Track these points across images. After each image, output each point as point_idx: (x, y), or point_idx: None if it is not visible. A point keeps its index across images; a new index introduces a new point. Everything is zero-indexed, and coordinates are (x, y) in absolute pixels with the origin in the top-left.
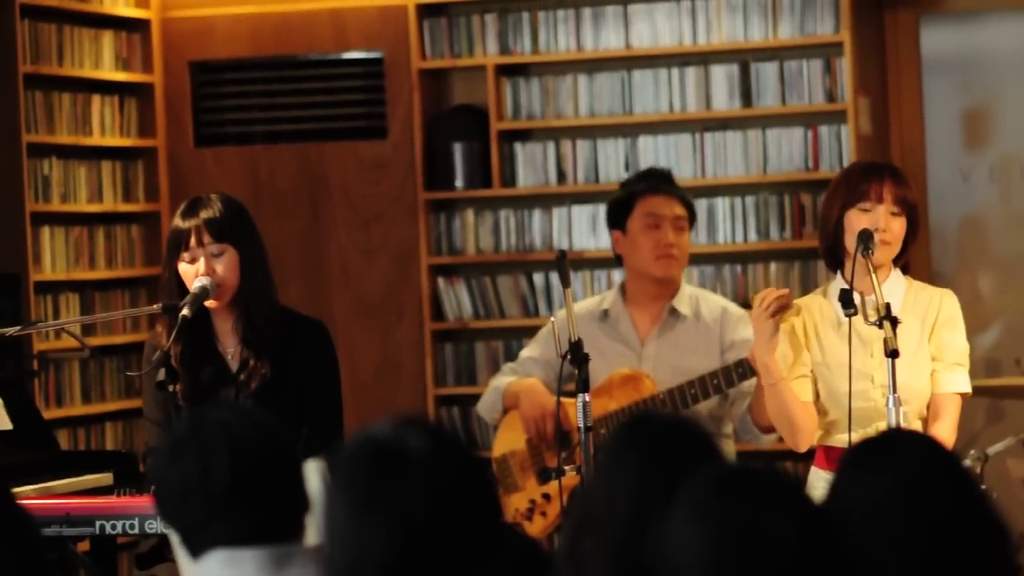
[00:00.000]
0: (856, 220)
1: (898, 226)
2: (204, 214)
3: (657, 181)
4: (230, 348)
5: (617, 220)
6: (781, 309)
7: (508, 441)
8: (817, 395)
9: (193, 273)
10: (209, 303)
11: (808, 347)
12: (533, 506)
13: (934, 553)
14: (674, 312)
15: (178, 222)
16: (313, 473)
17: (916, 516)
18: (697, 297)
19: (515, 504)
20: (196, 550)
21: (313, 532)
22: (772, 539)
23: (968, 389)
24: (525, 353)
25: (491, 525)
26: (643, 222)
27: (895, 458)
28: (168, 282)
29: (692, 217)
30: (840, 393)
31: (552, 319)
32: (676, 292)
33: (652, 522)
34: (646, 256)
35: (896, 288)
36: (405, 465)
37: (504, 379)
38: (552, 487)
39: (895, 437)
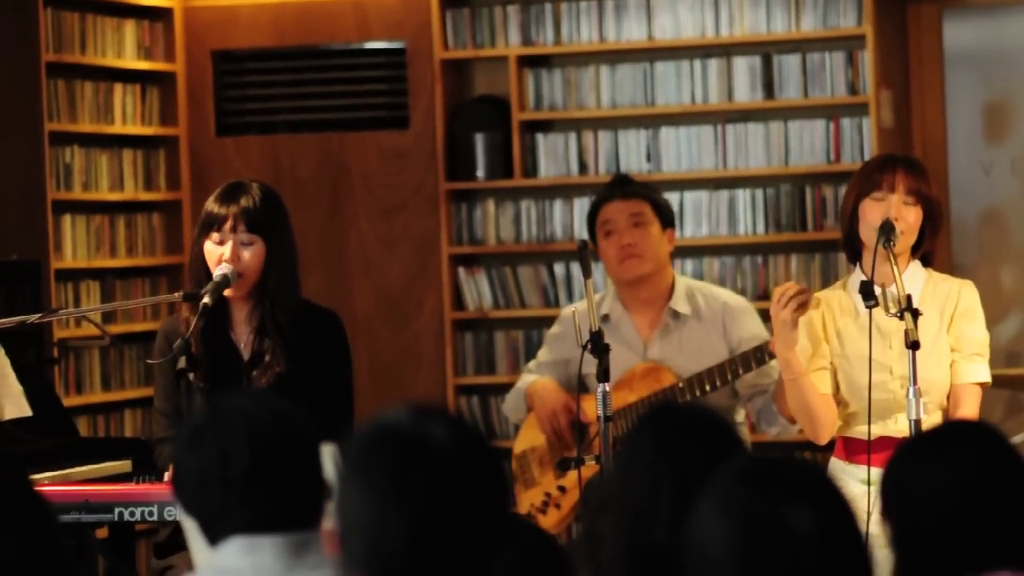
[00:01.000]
0: (869, 210)
1: (912, 215)
2: (244, 202)
3: (611, 188)
4: (243, 337)
5: (592, 236)
6: (801, 307)
7: (529, 438)
8: (837, 387)
9: (218, 257)
10: (227, 291)
11: (827, 339)
12: (548, 499)
13: (992, 537)
14: (674, 313)
15: (213, 206)
16: (330, 460)
17: (973, 503)
18: (693, 291)
19: (530, 499)
20: (214, 537)
21: (332, 519)
22: (796, 530)
23: (988, 379)
24: (539, 356)
25: (504, 514)
26: (601, 232)
27: (953, 447)
28: (195, 263)
29: (659, 210)
30: (860, 385)
31: (564, 311)
32: (671, 292)
33: (663, 506)
34: (611, 263)
35: (915, 279)
36: (427, 454)
37: (526, 379)
38: (567, 480)
39: (951, 427)
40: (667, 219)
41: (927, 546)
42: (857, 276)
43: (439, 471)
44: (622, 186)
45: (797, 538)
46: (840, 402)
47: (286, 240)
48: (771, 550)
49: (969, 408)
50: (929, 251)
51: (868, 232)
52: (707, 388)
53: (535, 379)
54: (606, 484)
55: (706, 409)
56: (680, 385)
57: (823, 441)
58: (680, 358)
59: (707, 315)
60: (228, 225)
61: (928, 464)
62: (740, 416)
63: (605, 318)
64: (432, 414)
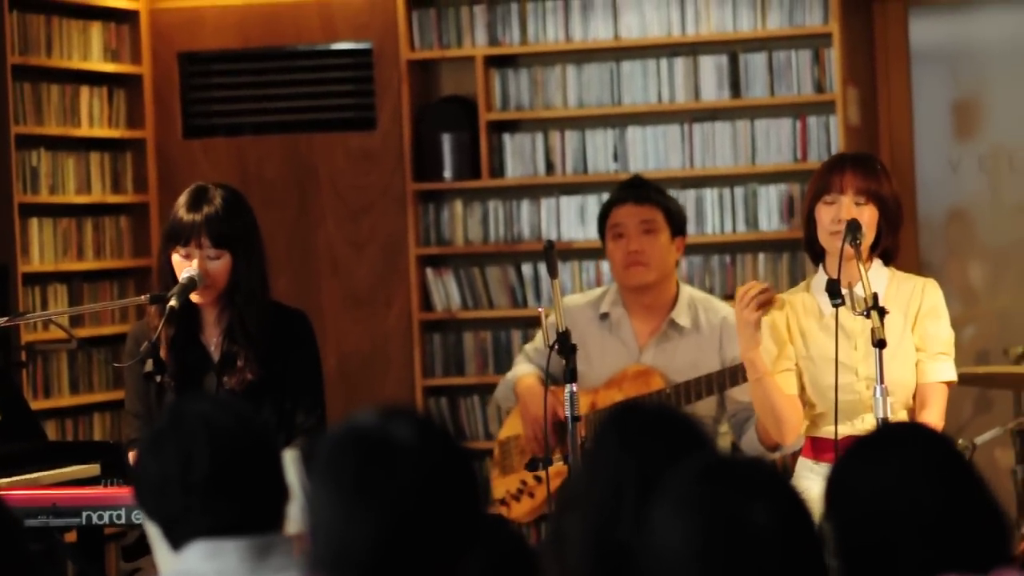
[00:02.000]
0: (823, 212)
1: (865, 215)
2: (207, 209)
3: (626, 190)
4: (213, 339)
5: (601, 235)
6: (764, 304)
7: (515, 426)
8: (802, 388)
9: (184, 269)
10: (194, 297)
11: (791, 341)
12: (524, 487)
13: (934, 540)
14: (673, 324)
15: (181, 214)
16: (292, 463)
17: (915, 505)
18: (695, 304)
19: (506, 485)
20: (177, 542)
21: (293, 522)
22: (755, 527)
23: (954, 377)
24: (535, 341)
25: (474, 514)
26: (610, 234)
27: (894, 449)
28: (162, 272)
29: (671, 217)
30: (825, 386)
31: (540, 309)
32: (674, 301)
33: (627, 503)
34: (616, 267)
35: (879, 279)
36: (393, 455)
37: (518, 369)
38: (542, 473)
39: (892, 429)
40: (678, 227)
41: (869, 550)
42: (821, 277)
43: (406, 472)
44: (636, 189)
45: (758, 534)
46: (806, 403)
47: (253, 248)
48: (732, 546)
49: (935, 407)
50: (889, 248)
51: (824, 235)
52: (693, 397)
53: (525, 374)
54: (572, 483)
55: (671, 409)
56: (667, 391)
57: (788, 442)
58: (672, 368)
59: (706, 329)
60: (194, 240)
61: (868, 466)
62: (725, 427)
63: (604, 316)
64: (399, 415)
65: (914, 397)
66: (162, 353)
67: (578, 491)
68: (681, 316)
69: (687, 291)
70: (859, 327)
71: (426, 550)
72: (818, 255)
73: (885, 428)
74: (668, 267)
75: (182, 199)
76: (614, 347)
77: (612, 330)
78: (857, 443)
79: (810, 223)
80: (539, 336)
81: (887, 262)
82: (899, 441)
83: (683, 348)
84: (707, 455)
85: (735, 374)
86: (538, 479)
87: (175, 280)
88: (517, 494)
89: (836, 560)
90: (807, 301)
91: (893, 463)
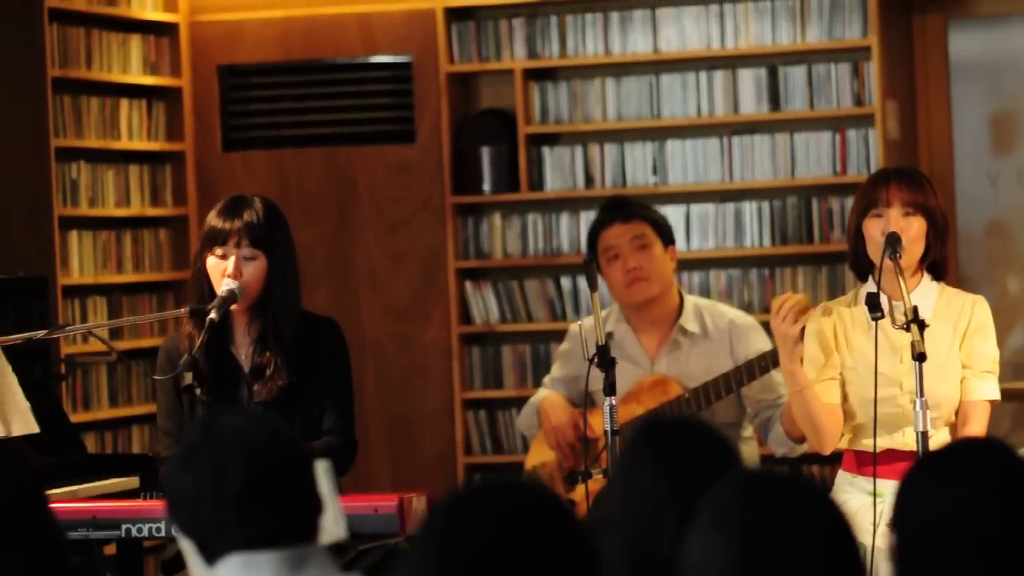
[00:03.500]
0: (871, 227)
1: (914, 227)
2: (247, 216)
3: (610, 211)
4: (243, 349)
5: (593, 258)
6: (800, 314)
7: (540, 453)
8: (845, 397)
9: (221, 271)
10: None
11: (837, 349)
12: None
13: (992, 561)
14: (683, 331)
15: (216, 221)
16: (323, 474)
17: (978, 524)
18: (701, 310)
19: None
20: (211, 556)
21: (326, 533)
22: (796, 543)
23: (998, 396)
24: (552, 372)
25: None
26: (604, 258)
27: (965, 465)
28: (197, 278)
29: (659, 229)
30: (868, 398)
31: (572, 326)
32: (679, 310)
33: (666, 522)
34: (618, 288)
35: (927, 294)
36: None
37: (539, 394)
38: (576, 494)
39: (967, 444)
40: (668, 237)
41: (926, 563)
42: (868, 289)
43: None
44: (620, 208)
45: (800, 549)
46: (848, 413)
47: (288, 254)
48: (773, 562)
49: (977, 425)
50: (938, 260)
51: (874, 249)
52: (712, 398)
53: (546, 394)
54: (607, 502)
55: (702, 421)
56: (686, 396)
57: (827, 451)
58: (686, 375)
59: (714, 334)
60: (232, 240)
61: (936, 480)
62: (748, 431)
63: (609, 336)
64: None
65: (956, 413)
66: (200, 365)
67: (614, 511)
68: (689, 323)
69: (690, 299)
70: (906, 341)
71: None
72: (866, 272)
73: (961, 442)
74: (668, 277)
75: (218, 207)
76: (623, 365)
77: (617, 348)
78: (931, 454)
79: (858, 239)
80: (555, 367)
81: (937, 277)
82: (972, 457)
83: (695, 354)
84: (747, 469)
85: (751, 369)
86: (571, 503)
87: (210, 287)
88: None
89: (893, 565)
90: (855, 311)
91: (961, 479)
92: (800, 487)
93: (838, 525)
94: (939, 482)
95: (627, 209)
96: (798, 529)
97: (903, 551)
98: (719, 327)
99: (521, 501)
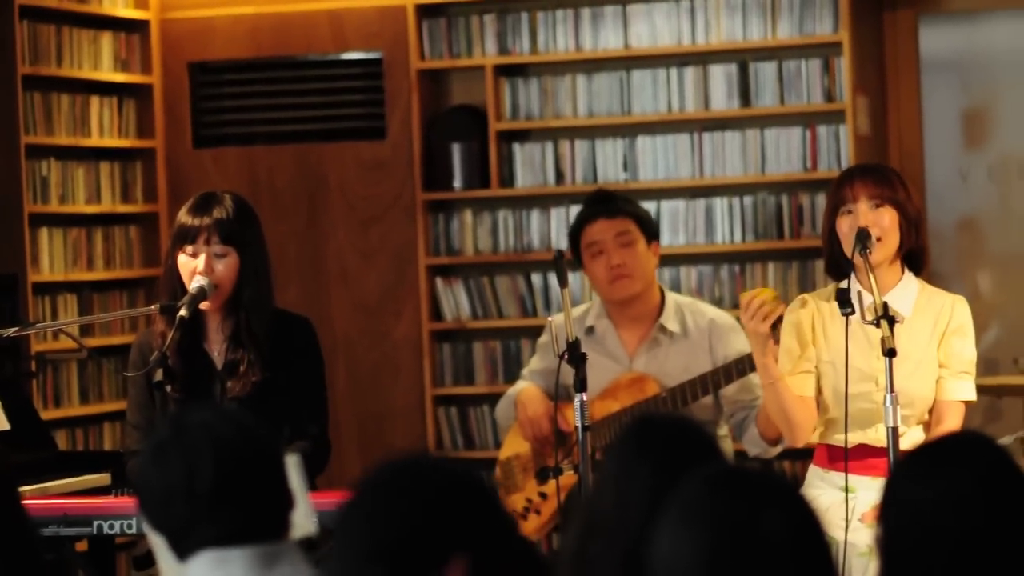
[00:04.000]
0: (843, 224)
1: (886, 218)
2: (216, 213)
3: (595, 206)
4: (216, 346)
5: (574, 252)
6: (771, 312)
7: (514, 445)
8: (820, 391)
9: (192, 269)
10: (203, 304)
11: (814, 343)
12: (529, 505)
13: (974, 555)
14: (663, 329)
15: (187, 218)
16: (294, 469)
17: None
18: (682, 308)
19: (512, 504)
20: (183, 553)
21: (296, 528)
22: (764, 539)
23: (973, 398)
24: (531, 364)
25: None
26: (587, 253)
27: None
28: (168, 275)
29: (643, 225)
30: (844, 392)
31: (550, 319)
32: (660, 308)
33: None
34: (600, 284)
35: (908, 291)
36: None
37: (517, 386)
38: (548, 487)
39: (954, 439)
40: (651, 233)
41: (912, 556)
42: (850, 285)
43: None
44: (605, 203)
45: (769, 545)
46: (822, 406)
47: (259, 251)
48: (741, 556)
49: (951, 425)
50: (915, 250)
51: (847, 246)
52: (690, 399)
53: (524, 386)
54: (595, 505)
55: (693, 422)
56: (663, 395)
57: (799, 444)
58: (664, 373)
59: (694, 333)
60: (202, 237)
61: (922, 474)
62: (723, 430)
63: (590, 330)
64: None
65: (930, 412)
66: (171, 362)
67: (605, 515)
68: (670, 321)
69: (672, 297)
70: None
71: None
72: (844, 273)
73: (947, 436)
74: (650, 275)
75: (189, 204)
76: (601, 360)
77: (598, 343)
78: (917, 448)
79: (832, 240)
80: (535, 359)
81: (916, 269)
82: (958, 451)
83: (674, 353)
84: (715, 464)
85: (729, 372)
86: (543, 496)
87: (181, 285)
88: (524, 512)
89: (879, 559)
90: (834, 306)
91: (947, 473)
92: (769, 482)
93: (807, 521)
94: (925, 476)
95: (612, 204)
96: (767, 525)
97: (889, 545)
98: (699, 326)
99: (443, 481)
